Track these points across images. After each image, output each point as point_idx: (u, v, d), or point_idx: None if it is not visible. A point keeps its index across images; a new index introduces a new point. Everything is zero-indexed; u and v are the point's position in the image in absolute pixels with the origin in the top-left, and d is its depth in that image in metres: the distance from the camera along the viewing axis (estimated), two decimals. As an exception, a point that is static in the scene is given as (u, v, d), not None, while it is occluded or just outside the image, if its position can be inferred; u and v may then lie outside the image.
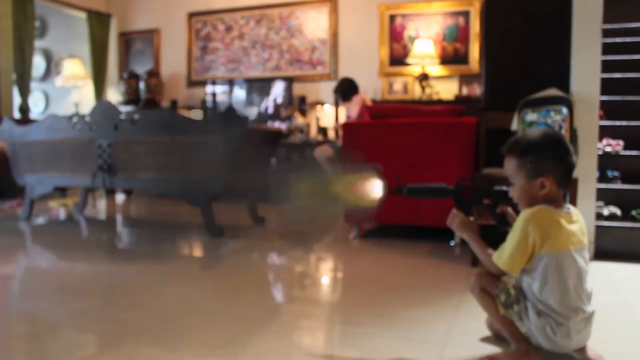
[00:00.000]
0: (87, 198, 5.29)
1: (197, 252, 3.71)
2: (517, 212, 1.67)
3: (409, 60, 6.62)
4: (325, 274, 3.11)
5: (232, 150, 3.78)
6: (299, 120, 6.97)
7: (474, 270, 1.74)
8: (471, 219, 1.80)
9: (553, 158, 1.57)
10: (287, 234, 4.25)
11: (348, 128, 3.77)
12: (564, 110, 3.02)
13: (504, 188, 1.74)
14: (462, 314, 2.16)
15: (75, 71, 8.25)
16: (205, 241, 3.87)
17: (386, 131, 3.64)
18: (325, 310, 2.38)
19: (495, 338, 1.82)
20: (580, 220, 1.62)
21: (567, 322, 1.54)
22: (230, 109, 3.83)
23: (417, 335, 1.94)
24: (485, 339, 1.85)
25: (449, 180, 3.53)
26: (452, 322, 2.06)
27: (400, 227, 4.04)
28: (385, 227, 4.15)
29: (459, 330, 1.98)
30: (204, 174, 3.91)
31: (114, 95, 8.38)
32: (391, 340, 1.88)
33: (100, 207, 5.85)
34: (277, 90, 7.17)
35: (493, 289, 1.64)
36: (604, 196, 3.41)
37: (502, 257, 1.59)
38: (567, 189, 1.61)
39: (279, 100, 7.14)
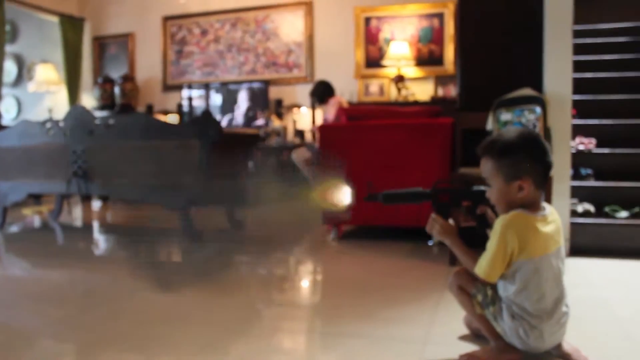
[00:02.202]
0: (62, 205, 5.21)
1: (176, 257, 3.69)
2: (496, 213, 1.67)
3: (384, 62, 6.67)
4: (305, 276, 3.11)
5: (209, 154, 3.76)
6: (275, 123, 6.96)
7: (453, 269, 1.76)
8: (450, 222, 1.79)
9: (530, 159, 1.56)
10: (265, 238, 4.24)
11: (324, 130, 3.78)
12: (538, 109, 3.06)
13: (482, 188, 1.73)
14: (441, 313, 2.17)
15: (48, 76, 8.13)
16: (183, 246, 3.84)
17: (363, 133, 3.65)
18: (305, 313, 2.38)
19: (474, 336, 1.84)
20: (556, 219, 1.62)
21: (540, 325, 1.55)
22: (206, 113, 3.81)
23: (398, 335, 1.94)
24: (464, 337, 1.87)
25: (427, 180, 3.56)
26: (432, 322, 2.08)
27: (379, 227, 4.06)
28: (364, 228, 4.16)
29: (439, 329, 1.99)
30: (180, 178, 3.88)
31: (89, 100, 8.28)
32: (372, 341, 1.88)
33: (76, 214, 5.77)
34: (244, 96, 7.17)
35: (471, 287, 1.65)
36: (578, 193, 3.46)
37: (480, 266, 1.59)
38: (544, 190, 1.61)
39: (246, 106, 7.13)
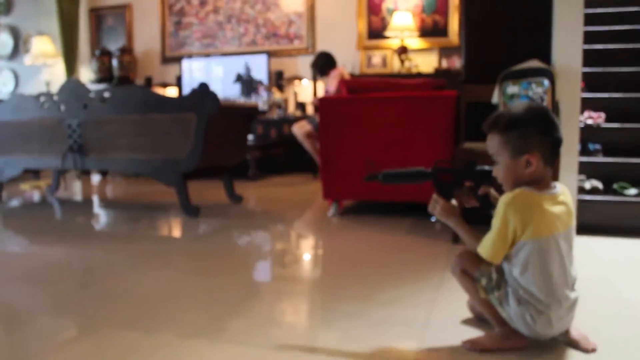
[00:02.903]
0: (60, 179, 5.14)
1: (174, 233, 3.61)
2: (502, 192, 1.58)
3: (387, 33, 6.50)
4: (304, 253, 3.03)
5: (206, 127, 3.66)
6: (276, 95, 6.84)
7: (457, 251, 1.67)
8: (453, 202, 1.71)
9: (539, 133, 1.46)
10: (264, 213, 4.16)
11: (325, 103, 3.67)
12: (546, 82, 2.94)
13: (486, 167, 1.64)
14: (443, 295, 2.09)
15: (44, 49, 7.98)
16: (181, 221, 3.76)
17: (364, 106, 3.54)
18: (304, 290, 2.30)
19: (477, 320, 1.76)
20: (567, 199, 1.53)
21: (548, 311, 1.46)
22: (203, 86, 3.69)
23: (397, 317, 1.87)
24: (466, 321, 1.79)
25: (430, 154, 3.48)
26: (433, 304, 2.00)
27: (380, 203, 3.97)
28: (364, 204, 4.08)
29: (440, 312, 1.91)
30: (177, 152, 3.79)
31: (87, 73, 8.16)
32: (371, 323, 1.81)
33: (74, 188, 5.69)
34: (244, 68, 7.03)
35: (475, 271, 1.57)
36: (585, 169, 3.36)
37: (484, 246, 1.50)
38: (553, 166, 1.51)
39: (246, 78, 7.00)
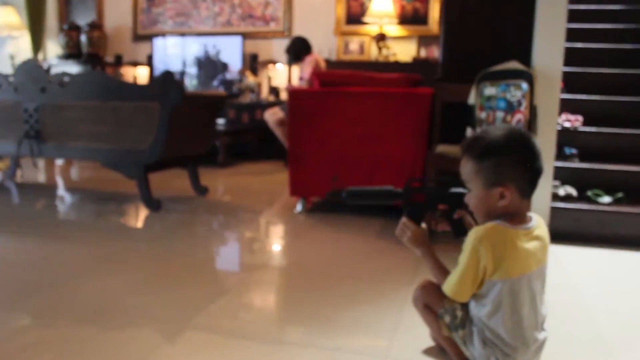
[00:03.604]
0: (18, 163, 4.90)
1: (130, 229, 3.43)
2: (475, 219, 1.45)
3: (366, 19, 6.33)
4: (261, 262, 2.88)
5: (170, 118, 3.48)
6: (249, 79, 6.63)
7: (420, 282, 1.54)
8: (423, 226, 1.57)
9: (516, 164, 1.33)
10: (228, 207, 4.00)
11: (295, 95, 3.50)
12: (524, 85, 2.82)
13: (462, 190, 1.50)
14: (407, 316, 1.97)
15: (8, 20, 7.64)
16: (141, 215, 3.59)
17: (336, 100, 3.39)
18: (249, 313, 2.17)
19: (438, 351, 1.64)
20: (542, 233, 1.40)
21: (515, 354, 1.35)
22: (167, 74, 3.50)
23: (356, 346, 1.74)
24: (428, 351, 1.67)
25: (402, 153, 3.35)
26: (396, 327, 1.88)
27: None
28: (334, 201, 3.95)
29: (402, 338, 1.79)
30: (139, 143, 3.60)
31: (54, 48, 7.83)
32: (322, 354, 1.68)
33: (35, 173, 5.45)
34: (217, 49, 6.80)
35: (438, 307, 1.44)
36: (560, 175, 3.26)
37: (449, 284, 1.38)
38: (530, 199, 1.38)
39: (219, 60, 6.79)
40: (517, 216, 1.36)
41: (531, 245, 1.35)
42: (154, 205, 3.62)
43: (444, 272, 1.45)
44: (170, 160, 3.87)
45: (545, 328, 1.42)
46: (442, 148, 2.93)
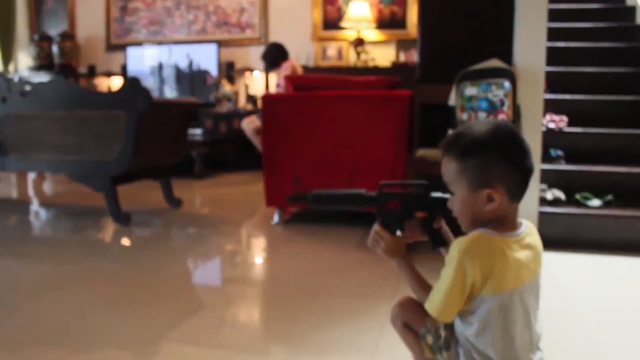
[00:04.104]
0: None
1: (101, 244, 3.23)
2: (456, 228, 1.28)
3: (343, 23, 6.20)
4: (236, 276, 2.70)
5: (137, 126, 3.30)
6: (226, 88, 6.46)
7: (399, 299, 1.38)
8: (398, 234, 1.39)
9: (505, 162, 1.16)
10: (203, 220, 3.82)
11: (268, 101, 3.34)
12: (506, 84, 2.69)
13: (444, 195, 1.33)
14: (388, 333, 1.79)
15: (-23, 31, 7.41)
16: (111, 230, 3.40)
17: (311, 105, 3.23)
18: (223, 334, 1.99)
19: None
20: (534, 240, 1.24)
21: (508, 378, 1.18)
22: (133, 81, 3.32)
23: (331, 369, 1.58)
24: (412, 374, 1.51)
25: (381, 158, 3.20)
26: (376, 346, 1.72)
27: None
28: (314, 211, 3.77)
29: (384, 357, 1.63)
30: (105, 154, 3.42)
31: (25, 59, 7.62)
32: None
33: (2, 187, 5.22)
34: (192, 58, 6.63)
35: (419, 326, 1.28)
36: (547, 178, 3.13)
37: (432, 302, 1.20)
38: (520, 202, 1.22)
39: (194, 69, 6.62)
40: (506, 222, 1.20)
41: (522, 254, 1.19)
42: (123, 219, 3.43)
43: (424, 287, 1.29)
44: (140, 171, 3.69)
45: (541, 348, 1.26)
46: (422, 152, 2.79)
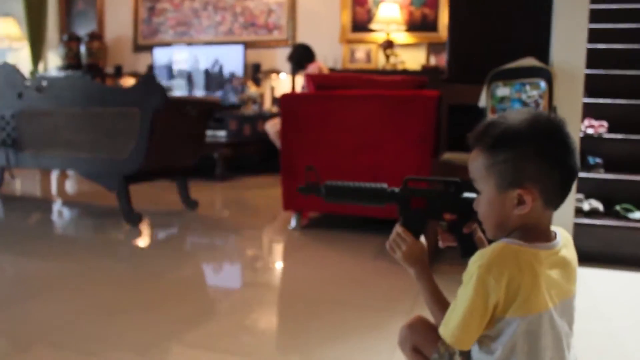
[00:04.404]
0: (3, 174, 4.63)
1: (109, 245, 3.11)
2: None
3: (372, 26, 6.03)
4: (247, 283, 2.55)
5: (151, 124, 3.18)
6: (252, 90, 6.34)
7: (409, 319, 1.19)
8: (422, 241, 1.21)
9: (541, 158, 0.96)
10: (219, 222, 3.68)
11: (287, 100, 3.19)
12: (542, 84, 2.48)
13: (475, 196, 1.13)
14: (398, 356, 1.62)
15: (8, 31, 7.47)
16: (123, 230, 3.28)
17: (332, 104, 3.06)
18: (224, 345, 1.83)
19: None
20: (569, 254, 1.04)
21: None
22: (148, 77, 3.21)
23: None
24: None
25: (405, 162, 3.02)
26: (388, 368, 1.54)
27: (349, 216, 3.50)
28: (331, 216, 3.59)
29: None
30: (119, 152, 3.30)
31: (54, 59, 7.64)
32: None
33: (26, 184, 5.18)
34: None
35: (430, 350, 1.09)
36: (584, 187, 2.90)
37: (448, 326, 1.01)
38: (556, 209, 1.02)
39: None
40: (537, 231, 1.00)
41: (555, 270, 0.99)
42: (133, 219, 3.31)
43: (442, 304, 1.10)
44: (155, 171, 3.57)
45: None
46: (448, 155, 2.59)
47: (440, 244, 1.22)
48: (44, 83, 3.58)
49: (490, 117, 2.50)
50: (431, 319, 1.14)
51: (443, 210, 1.18)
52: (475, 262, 0.96)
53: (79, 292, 2.18)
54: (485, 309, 0.95)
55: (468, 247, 1.18)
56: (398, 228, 1.20)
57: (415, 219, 1.20)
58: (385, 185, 1.23)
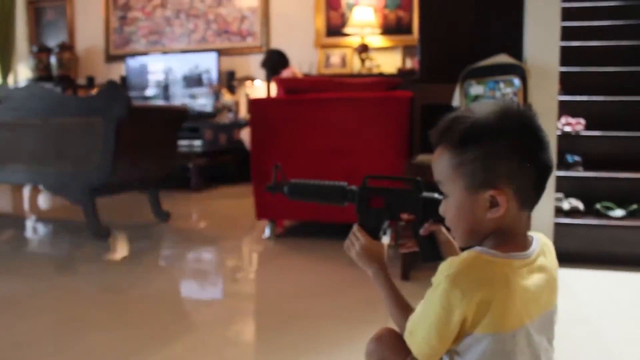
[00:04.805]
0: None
1: (74, 261, 2.98)
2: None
3: (347, 30, 5.96)
4: (211, 297, 2.44)
5: (116, 134, 3.05)
6: (226, 97, 6.23)
7: (376, 331, 1.09)
8: (384, 242, 1.13)
9: (514, 155, 0.86)
10: (191, 234, 3.56)
11: (257, 106, 3.09)
12: (516, 81, 2.41)
13: (438, 196, 1.02)
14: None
15: (-25, 44, 7.27)
16: (90, 245, 3.14)
17: (303, 108, 2.97)
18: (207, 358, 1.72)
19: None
20: (548, 261, 0.93)
21: None
22: (111, 85, 3.09)
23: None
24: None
25: (380, 165, 2.93)
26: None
27: (325, 224, 3.39)
28: (308, 224, 3.49)
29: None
30: (84, 164, 3.17)
31: (24, 71, 7.46)
32: None
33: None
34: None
35: (399, 362, 0.99)
36: (563, 186, 2.83)
37: (414, 337, 0.91)
38: (531, 210, 0.93)
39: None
40: (513, 237, 0.90)
41: (533, 282, 0.88)
42: (102, 234, 3.17)
43: (401, 307, 1.01)
44: (123, 183, 3.44)
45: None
46: (422, 157, 2.51)
47: (401, 248, 1.15)
48: (1, 93, 3.44)
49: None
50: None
51: (401, 210, 1.11)
52: (443, 271, 0.86)
53: (45, 310, 2.06)
54: (449, 324, 0.85)
55: (428, 251, 1.10)
56: (354, 227, 1.14)
57: (371, 218, 1.14)
58: (345, 184, 1.18)
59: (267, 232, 3.18)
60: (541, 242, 0.95)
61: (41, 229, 3.81)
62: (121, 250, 3.15)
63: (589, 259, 2.57)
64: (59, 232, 3.67)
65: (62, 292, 2.29)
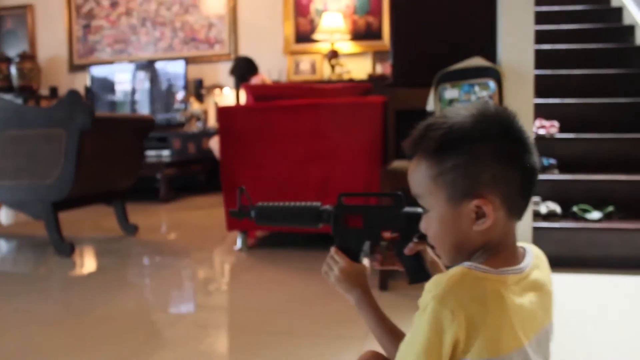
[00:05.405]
0: None
1: (39, 281, 2.83)
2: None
3: (316, 36, 5.90)
4: (177, 313, 2.33)
5: (78, 145, 2.93)
6: (195, 106, 6.11)
7: (361, 355, 1.01)
8: (365, 263, 1.04)
9: (498, 159, 0.79)
10: (160, 247, 3.43)
11: (225, 114, 2.99)
12: (491, 84, 2.36)
13: (420, 210, 0.95)
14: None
15: None
16: (53, 262, 3.00)
17: (273, 116, 2.88)
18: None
19: None
20: (542, 275, 0.86)
21: None
22: (72, 95, 2.96)
23: None
24: None
25: (355, 173, 2.86)
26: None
27: (300, 233, 3.31)
28: (281, 234, 3.39)
29: None
30: (44, 177, 3.03)
31: (-16, 82, 7.22)
32: None
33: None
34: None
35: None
36: (540, 189, 2.80)
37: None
38: (520, 218, 0.85)
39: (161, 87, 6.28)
40: (502, 250, 0.82)
41: (527, 298, 0.81)
42: (64, 249, 3.03)
43: (391, 333, 0.93)
44: (87, 196, 3.31)
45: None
46: (397, 164, 2.44)
47: (379, 266, 1.07)
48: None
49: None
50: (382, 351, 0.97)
51: (381, 228, 1.03)
52: (430, 291, 0.77)
53: (4, 334, 1.92)
54: (440, 348, 0.76)
55: (415, 272, 1.02)
56: (332, 250, 1.04)
57: (350, 239, 1.05)
58: (318, 204, 1.08)
59: (238, 243, 3.08)
60: (535, 254, 0.88)
61: (2, 245, 3.64)
62: (87, 266, 3.02)
63: (567, 262, 2.53)
64: (21, 248, 3.51)
65: (22, 314, 2.16)
